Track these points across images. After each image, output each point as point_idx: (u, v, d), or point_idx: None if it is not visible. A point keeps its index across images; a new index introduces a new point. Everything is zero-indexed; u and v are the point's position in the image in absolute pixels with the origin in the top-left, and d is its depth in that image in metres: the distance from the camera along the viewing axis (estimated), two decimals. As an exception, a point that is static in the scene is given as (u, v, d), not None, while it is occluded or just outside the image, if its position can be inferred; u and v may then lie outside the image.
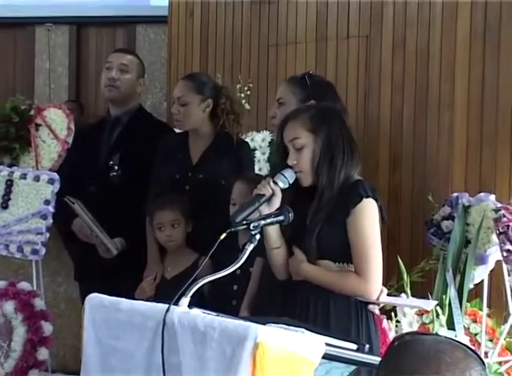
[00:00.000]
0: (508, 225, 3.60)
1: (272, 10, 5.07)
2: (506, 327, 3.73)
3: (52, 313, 4.01)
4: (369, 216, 2.64)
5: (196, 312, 2.12)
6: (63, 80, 7.22)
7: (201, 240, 3.37)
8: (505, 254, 3.62)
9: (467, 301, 3.76)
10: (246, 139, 4.26)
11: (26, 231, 4.01)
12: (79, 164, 4.07)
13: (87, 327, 2.28)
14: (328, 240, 2.65)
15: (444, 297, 3.66)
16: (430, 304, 3.08)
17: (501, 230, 3.61)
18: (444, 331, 3.56)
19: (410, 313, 3.65)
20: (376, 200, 2.66)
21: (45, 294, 4.16)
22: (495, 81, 4.08)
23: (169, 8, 5.66)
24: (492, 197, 3.85)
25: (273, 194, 2.65)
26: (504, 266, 3.70)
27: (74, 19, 7.16)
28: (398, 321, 3.65)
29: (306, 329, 2.11)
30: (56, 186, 4.00)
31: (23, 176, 4.08)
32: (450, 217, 3.87)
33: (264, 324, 2.04)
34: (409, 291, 3.67)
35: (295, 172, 2.69)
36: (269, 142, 4.55)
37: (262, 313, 2.83)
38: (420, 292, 3.80)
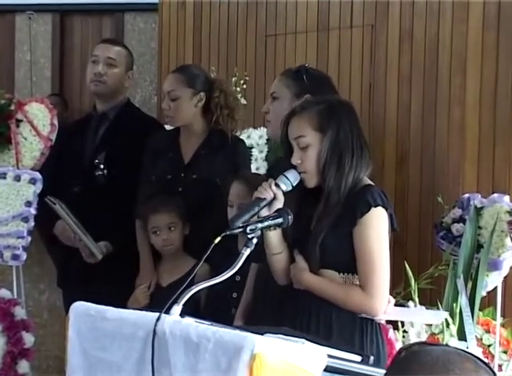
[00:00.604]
0: (523, 229, 3.62)
1: (270, -3, 5.08)
2: (521, 338, 3.75)
3: (34, 323, 4.02)
4: (376, 227, 2.62)
5: (189, 321, 2.12)
6: (46, 72, 7.23)
7: (198, 243, 3.37)
8: (520, 259, 3.64)
9: (480, 309, 3.77)
10: (242, 136, 4.27)
11: (6, 235, 4.02)
12: (62, 162, 4.08)
13: (71, 338, 2.29)
14: (332, 250, 2.63)
15: (454, 305, 3.66)
16: (439, 316, 3.08)
17: (516, 234, 3.62)
18: (454, 342, 3.57)
19: (418, 323, 3.66)
20: (387, 209, 2.64)
21: (26, 302, 4.16)
22: (510, 73, 4.09)
23: (160, -5, 5.67)
24: (506, 198, 3.85)
25: (275, 198, 2.64)
26: (519, 272, 3.71)
27: (58, 7, 7.17)
28: (405, 331, 3.65)
29: (306, 339, 2.12)
30: (38, 187, 4.00)
31: (3, 176, 4.08)
32: (461, 219, 3.87)
33: (261, 334, 2.04)
34: (416, 299, 3.68)
35: (299, 173, 2.68)
36: (267, 140, 4.56)
37: (257, 322, 2.83)
38: (428, 300, 3.81)
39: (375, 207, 2.60)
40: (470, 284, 3.75)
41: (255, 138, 4.59)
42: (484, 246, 3.77)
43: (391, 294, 2.73)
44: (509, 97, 4.09)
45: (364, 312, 2.64)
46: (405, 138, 4.41)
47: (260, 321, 2.87)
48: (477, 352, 3.61)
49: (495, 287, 3.79)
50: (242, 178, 3.41)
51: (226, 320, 2.96)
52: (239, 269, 2.38)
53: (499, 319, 3.77)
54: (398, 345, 3.47)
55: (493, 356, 3.71)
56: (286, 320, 2.62)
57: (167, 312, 2.14)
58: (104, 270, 3.75)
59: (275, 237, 2.69)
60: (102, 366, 2.21)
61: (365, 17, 4.63)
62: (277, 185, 2.64)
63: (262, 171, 4.46)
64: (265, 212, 2.62)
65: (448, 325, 3.61)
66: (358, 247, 2.61)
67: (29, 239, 3.99)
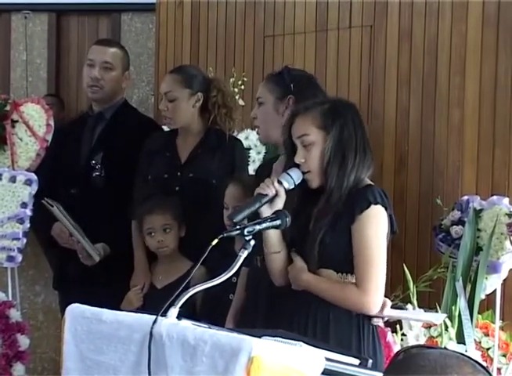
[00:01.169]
0: (522, 231, 3.62)
1: (268, -3, 5.08)
2: (520, 341, 3.75)
3: (29, 325, 4.02)
4: (375, 224, 2.63)
5: (186, 323, 2.13)
6: (42, 72, 7.22)
7: (194, 244, 3.38)
8: (519, 262, 3.64)
9: (479, 312, 3.77)
10: (240, 137, 4.27)
11: (1, 236, 4.01)
12: (58, 163, 4.07)
13: (67, 340, 2.28)
14: (331, 248, 2.65)
15: (453, 308, 3.67)
16: (439, 317, 3.09)
17: (515, 236, 3.62)
18: (453, 345, 3.57)
19: (417, 326, 3.66)
20: (386, 209, 2.66)
21: (22, 304, 4.16)
22: (509, 75, 4.09)
23: (157, -6, 5.67)
24: (506, 201, 3.86)
25: (276, 195, 2.65)
26: (518, 275, 3.72)
27: (54, 7, 7.15)
28: (403, 334, 3.66)
29: (304, 342, 2.12)
30: (34, 188, 4.00)
31: (-2, 177, 4.08)
32: (460, 222, 3.87)
33: (259, 337, 2.04)
34: (415, 302, 3.68)
35: (303, 172, 2.69)
36: (265, 141, 4.55)
37: (249, 325, 2.84)
38: (427, 303, 3.81)
39: (375, 204, 2.62)
40: (469, 287, 3.75)
41: (253, 139, 4.59)
42: (483, 248, 3.77)
43: (389, 297, 2.74)
44: (508, 98, 4.09)
45: (359, 310, 2.65)
46: (403, 139, 4.42)
47: (251, 324, 2.87)
48: (476, 355, 3.61)
49: (495, 290, 3.80)
50: (237, 181, 3.41)
51: (223, 322, 2.97)
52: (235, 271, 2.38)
53: (498, 323, 3.77)
54: (397, 348, 3.47)
55: (492, 360, 3.71)
56: (283, 322, 2.62)
57: (164, 314, 2.14)
58: (101, 272, 3.75)
59: (274, 236, 2.70)
60: (99, 369, 2.21)
61: (364, 18, 4.63)
62: (280, 182, 2.65)
63: (260, 172, 4.45)
64: (265, 209, 2.63)
65: (446, 328, 3.62)
66: (355, 243, 2.62)
67: (24, 241, 3.99)
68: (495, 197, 3.89)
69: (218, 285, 2.31)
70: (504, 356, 3.78)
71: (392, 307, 2.82)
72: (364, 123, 2.78)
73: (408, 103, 4.42)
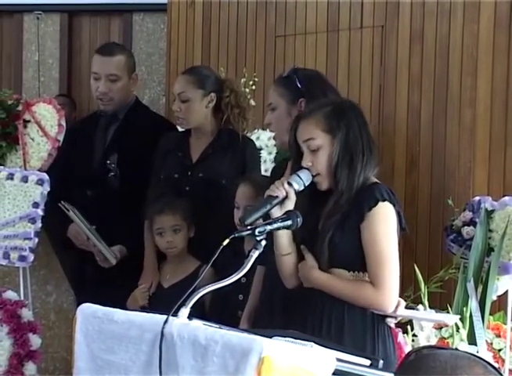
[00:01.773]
0: (534, 232, 3.60)
1: (279, -2, 5.08)
2: (532, 342, 3.73)
3: (41, 325, 4.02)
4: (384, 221, 2.63)
5: (197, 323, 2.13)
6: (54, 73, 7.24)
7: (203, 244, 3.38)
8: (531, 263, 3.62)
9: (490, 313, 3.76)
10: (251, 138, 4.27)
11: (13, 236, 4.02)
12: (71, 163, 4.08)
13: (78, 340, 2.29)
14: (341, 247, 2.65)
15: (465, 309, 3.66)
16: (451, 318, 3.08)
17: (527, 237, 3.61)
18: (464, 346, 3.56)
19: (428, 327, 3.65)
20: (394, 205, 2.66)
21: (33, 304, 4.17)
22: (521, 75, 4.09)
23: (168, -5, 5.68)
24: (517, 201, 3.85)
25: (287, 197, 2.65)
26: (530, 276, 3.70)
27: (66, 7, 7.18)
28: (414, 335, 3.65)
29: (315, 343, 2.12)
30: (46, 188, 4.01)
31: (10, 177, 4.09)
32: (471, 222, 3.86)
33: (270, 337, 2.04)
34: (426, 303, 3.67)
35: (312, 175, 2.69)
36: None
37: (264, 326, 2.84)
38: (438, 304, 3.80)
39: (382, 201, 2.62)
40: (480, 288, 3.74)
41: (264, 139, 4.59)
42: (494, 249, 3.76)
43: (400, 297, 2.73)
44: (520, 99, 4.09)
45: (374, 308, 2.65)
46: (415, 140, 4.41)
47: (267, 324, 2.87)
48: (488, 356, 3.60)
49: (506, 291, 3.78)
50: (249, 180, 3.42)
51: (232, 323, 2.97)
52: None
53: (510, 324, 3.76)
54: (408, 349, 3.47)
55: (504, 361, 3.70)
56: (296, 322, 2.62)
57: (175, 314, 2.14)
58: (118, 274, 3.76)
59: (284, 238, 2.70)
60: (110, 369, 2.21)
61: (375, 18, 4.63)
62: (290, 184, 2.66)
63: (271, 172, 4.45)
64: (276, 211, 2.63)
65: (458, 329, 3.61)
66: (366, 241, 2.62)
67: (36, 240, 3.99)
68: (506, 198, 3.87)
69: (227, 285, 2.31)
70: (516, 357, 3.77)
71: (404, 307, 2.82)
72: (367, 121, 2.77)
73: (419, 104, 4.41)
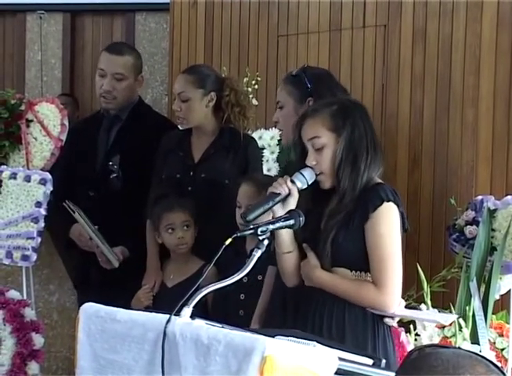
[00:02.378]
0: (537, 231, 3.60)
1: (282, -3, 5.08)
2: (534, 342, 3.73)
3: (44, 324, 4.03)
4: (389, 222, 2.63)
5: (200, 323, 2.13)
6: (56, 72, 7.24)
7: (205, 243, 3.38)
8: (534, 262, 3.62)
9: (493, 313, 3.76)
10: (253, 137, 4.27)
11: (15, 235, 4.03)
12: (73, 163, 4.08)
13: (81, 339, 2.29)
14: (344, 247, 2.65)
15: (467, 308, 3.65)
16: (448, 318, 3.07)
17: (529, 236, 3.60)
18: (467, 345, 3.56)
19: (431, 326, 3.65)
20: (398, 206, 2.66)
21: (36, 303, 4.18)
22: (524, 74, 4.08)
23: (171, -6, 5.67)
24: (520, 201, 3.84)
25: (289, 194, 2.65)
26: (533, 276, 3.70)
27: (69, 7, 7.18)
28: (417, 334, 3.65)
29: (318, 342, 2.11)
30: (49, 187, 4.01)
31: (13, 176, 4.10)
32: (474, 222, 3.86)
33: (272, 337, 2.04)
34: (429, 302, 3.67)
35: (316, 174, 2.69)
36: (278, 141, 4.56)
37: (274, 326, 2.83)
38: (441, 303, 3.80)
39: (387, 201, 2.62)
40: (483, 287, 3.74)
41: (267, 139, 4.58)
42: (497, 249, 3.76)
43: (403, 296, 2.73)
44: (523, 98, 4.08)
45: (376, 308, 2.64)
46: (417, 139, 4.40)
47: (280, 325, 2.86)
48: (491, 355, 3.60)
49: (509, 291, 3.78)
50: (251, 179, 3.42)
51: (234, 322, 2.96)
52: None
53: (513, 323, 3.76)
54: (410, 348, 3.46)
55: (506, 360, 3.70)
56: (298, 322, 2.62)
57: (178, 314, 2.14)
58: (122, 275, 3.76)
59: (286, 236, 2.70)
60: (112, 368, 2.21)
61: (378, 17, 4.62)
62: (293, 181, 2.65)
63: (274, 172, 4.45)
64: (278, 208, 2.63)
65: (460, 328, 3.60)
66: (370, 241, 2.62)
67: (39, 240, 4.00)
68: (509, 197, 3.87)
69: (229, 285, 2.31)
70: (518, 356, 3.76)
71: (406, 307, 2.82)
72: (372, 121, 2.77)
73: (422, 103, 4.40)
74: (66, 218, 3.82)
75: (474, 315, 3.65)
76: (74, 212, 3.73)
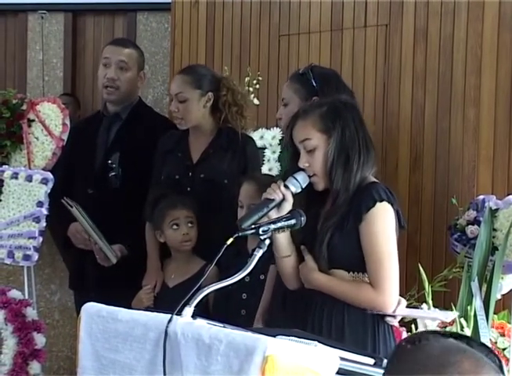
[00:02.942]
0: (539, 231, 3.59)
1: (283, -3, 5.08)
2: (536, 341, 3.73)
3: (45, 324, 4.03)
4: (383, 222, 2.63)
5: (201, 322, 2.13)
6: (58, 72, 7.24)
7: (206, 246, 3.38)
8: (535, 262, 3.62)
9: (494, 312, 3.76)
10: (254, 137, 4.27)
11: (17, 235, 4.03)
12: (73, 163, 4.08)
13: (83, 339, 2.29)
14: (340, 248, 2.64)
15: (469, 308, 3.65)
16: (448, 315, 3.08)
17: (531, 236, 3.60)
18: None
19: (432, 325, 3.65)
20: (392, 204, 2.65)
21: (38, 303, 4.18)
22: (526, 74, 4.08)
23: (172, -6, 5.67)
24: (522, 200, 3.84)
25: (284, 199, 2.64)
26: (534, 275, 3.69)
27: (70, 7, 7.18)
28: (418, 334, 3.64)
29: (319, 342, 2.12)
30: (50, 187, 4.01)
31: (15, 176, 4.10)
32: (475, 221, 3.86)
33: (274, 336, 2.04)
34: (430, 302, 3.67)
35: (309, 176, 2.68)
36: (280, 140, 4.56)
37: (276, 325, 2.83)
38: (442, 303, 3.80)
39: (380, 202, 2.62)
40: (484, 287, 3.74)
41: (268, 138, 4.59)
42: (499, 248, 3.75)
43: (404, 296, 2.73)
44: (524, 98, 4.07)
45: (374, 308, 2.64)
46: (419, 139, 4.40)
47: (280, 324, 2.86)
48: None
49: (511, 290, 3.78)
50: (252, 179, 3.41)
51: (236, 322, 2.96)
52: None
53: (514, 323, 3.75)
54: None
55: (508, 360, 3.70)
56: (298, 324, 2.62)
57: (179, 313, 2.14)
58: (119, 273, 3.76)
59: (283, 240, 2.70)
60: (114, 368, 2.21)
61: (379, 17, 4.62)
62: (286, 186, 2.65)
63: (275, 171, 4.45)
64: (273, 214, 2.63)
65: (462, 328, 3.60)
66: (365, 243, 2.62)
67: (40, 239, 4.00)
68: (511, 197, 3.87)
69: (231, 284, 2.31)
70: (520, 356, 3.76)
71: (407, 307, 2.82)
72: (363, 120, 2.77)
73: (423, 103, 4.40)
74: (65, 216, 3.82)
75: (475, 315, 3.65)
76: (72, 207, 3.73)
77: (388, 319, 2.70)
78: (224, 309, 3.35)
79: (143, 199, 3.74)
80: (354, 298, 2.64)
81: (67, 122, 4.30)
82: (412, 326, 3.63)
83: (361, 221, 2.62)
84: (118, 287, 3.63)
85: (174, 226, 3.59)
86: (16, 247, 4.02)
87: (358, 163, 2.66)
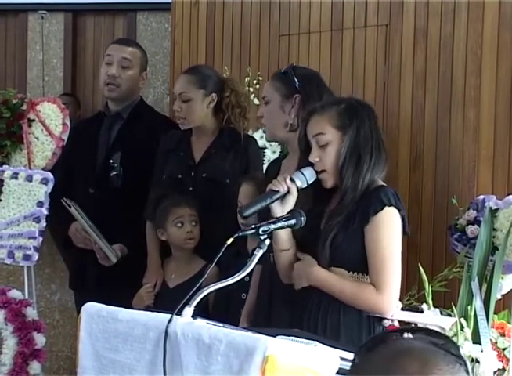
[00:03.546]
0: (539, 231, 3.59)
1: (283, -3, 5.08)
2: (536, 341, 3.72)
3: (46, 324, 4.03)
4: (389, 226, 2.63)
5: (201, 322, 2.13)
6: (58, 72, 7.24)
7: (207, 246, 3.38)
8: (535, 261, 3.62)
9: (494, 312, 3.76)
10: (255, 137, 4.27)
11: (17, 235, 4.03)
12: (73, 162, 4.09)
13: (83, 339, 2.29)
14: (343, 247, 2.64)
15: (469, 308, 3.65)
16: (448, 321, 3.07)
17: (531, 236, 3.60)
18: (469, 345, 3.55)
19: (432, 326, 3.64)
20: (400, 210, 2.65)
21: (38, 303, 4.18)
22: (526, 74, 4.08)
23: (172, -6, 5.67)
24: (522, 200, 3.84)
25: (288, 192, 2.65)
26: (534, 275, 3.69)
27: (70, 7, 7.18)
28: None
29: (319, 342, 2.12)
30: (50, 187, 4.01)
31: (15, 176, 4.10)
32: (476, 221, 3.86)
33: (274, 336, 2.04)
34: (430, 302, 3.67)
35: (317, 172, 2.68)
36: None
37: (261, 325, 2.84)
38: (442, 303, 3.80)
39: (389, 206, 2.61)
40: (484, 287, 3.73)
41: (268, 138, 4.58)
42: (499, 248, 3.75)
43: (404, 296, 2.73)
44: (525, 98, 4.07)
45: (373, 310, 2.64)
46: (419, 138, 4.40)
47: (265, 323, 2.87)
48: (492, 355, 3.60)
49: (511, 290, 3.78)
50: (251, 179, 3.42)
51: (236, 321, 2.97)
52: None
53: (514, 323, 3.75)
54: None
55: (508, 360, 3.69)
56: (293, 323, 2.62)
57: (179, 313, 2.14)
58: (119, 273, 3.76)
59: (284, 233, 2.70)
60: (114, 368, 2.22)
61: (379, 17, 4.62)
62: (292, 180, 2.65)
63: (275, 171, 4.45)
64: (276, 206, 2.63)
65: (462, 328, 3.60)
66: (369, 245, 2.62)
67: (40, 239, 4.00)
68: (511, 197, 3.87)
69: (230, 284, 2.31)
70: (520, 355, 3.76)
71: (407, 307, 2.82)
72: (378, 123, 2.77)
73: (423, 102, 4.40)
74: (65, 216, 3.82)
75: (475, 315, 3.64)
76: (70, 207, 3.74)
77: (385, 321, 2.70)
78: (224, 309, 3.36)
79: (144, 198, 3.75)
80: (353, 297, 2.63)
81: (67, 122, 4.30)
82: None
83: (367, 223, 2.61)
84: (118, 287, 3.63)
85: (179, 224, 3.59)
86: (16, 247, 4.02)
87: (369, 164, 2.66)
